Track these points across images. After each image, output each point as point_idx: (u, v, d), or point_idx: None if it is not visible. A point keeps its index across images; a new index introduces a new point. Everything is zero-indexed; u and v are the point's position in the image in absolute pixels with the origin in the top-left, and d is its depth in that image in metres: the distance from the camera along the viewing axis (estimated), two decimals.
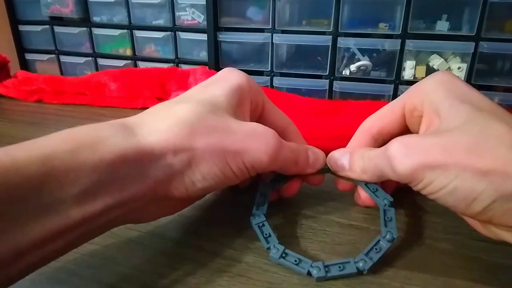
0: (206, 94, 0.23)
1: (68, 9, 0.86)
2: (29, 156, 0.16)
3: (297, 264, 0.21)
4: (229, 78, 0.24)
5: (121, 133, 0.19)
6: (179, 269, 0.22)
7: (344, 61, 0.68)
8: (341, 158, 0.26)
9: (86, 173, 0.17)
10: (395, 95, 0.66)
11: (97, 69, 0.89)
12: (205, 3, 0.71)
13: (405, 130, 0.26)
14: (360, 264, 0.21)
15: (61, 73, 0.93)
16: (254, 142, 0.22)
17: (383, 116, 0.27)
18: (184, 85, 0.54)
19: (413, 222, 0.26)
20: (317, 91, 0.71)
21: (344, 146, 0.38)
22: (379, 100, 0.66)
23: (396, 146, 0.21)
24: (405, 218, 0.27)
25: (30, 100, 0.56)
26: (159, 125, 0.20)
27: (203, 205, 0.28)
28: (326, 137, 0.40)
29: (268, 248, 0.22)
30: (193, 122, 0.20)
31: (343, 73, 0.69)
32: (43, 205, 0.16)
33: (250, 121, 0.24)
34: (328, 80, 0.70)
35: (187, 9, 0.77)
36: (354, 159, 0.25)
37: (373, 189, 0.25)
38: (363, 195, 0.27)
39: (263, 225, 0.24)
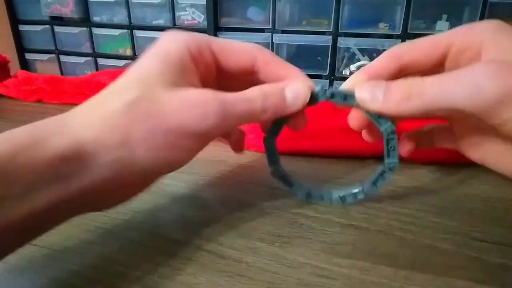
0: (136, 74, 0.22)
1: (68, 9, 0.86)
2: None
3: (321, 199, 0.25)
4: (162, 48, 0.23)
5: (56, 131, 0.19)
6: (179, 269, 0.22)
7: (344, 61, 0.68)
8: (374, 88, 0.22)
9: (25, 174, 0.17)
10: None
11: (97, 69, 0.89)
12: (205, 3, 0.72)
13: (436, 70, 0.24)
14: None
15: (61, 73, 0.93)
16: (189, 113, 0.20)
17: (422, 48, 0.24)
18: None
19: (413, 222, 0.26)
20: None
21: (344, 146, 0.38)
22: None
23: (493, 65, 0.18)
24: (405, 218, 0.27)
25: (30, 100, 0.56)
26: (91, 119, 0.20)
27: (203, 205, 0.29)
28: (326, 137, 0.40)
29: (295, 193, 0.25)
30: (127, 112, 0.20)
31: (343, 73, 0.69)
32: None
33: (202, 83, 0.23)
34: (328, 80, 0.70)
35: (187, 9, 0.77)
36: (393, 88, 0.21)
37: (375, 115, 0.24)
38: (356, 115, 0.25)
39: (284, 176, 0.26)
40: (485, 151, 0.25)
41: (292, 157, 0.37)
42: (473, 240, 0.24)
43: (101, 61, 0.88)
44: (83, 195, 0.19)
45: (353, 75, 0.24)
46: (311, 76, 0.70)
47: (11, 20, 0.93)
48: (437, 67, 0.24)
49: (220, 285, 0.21)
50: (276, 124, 0.26)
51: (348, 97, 0.23)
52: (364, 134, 0.27)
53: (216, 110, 0.21)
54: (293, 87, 0.23)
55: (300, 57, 0.72)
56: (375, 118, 0.23)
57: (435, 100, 0.20)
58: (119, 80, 0.22)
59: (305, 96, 0.23)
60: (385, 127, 0.24)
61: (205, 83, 0.23)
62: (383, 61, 0.24)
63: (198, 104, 0.21)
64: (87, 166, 0.19)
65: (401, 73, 0.24)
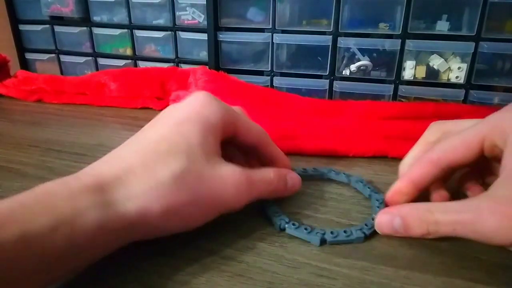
0: (181, 140, 0.23)
1: (69, 9, 0.86)
2: (6, 232, 0.16)
3: (308, 233, 0.24)
4: (203, 114, 0.24)
5: (98, 202, 0.19)
6: (179, 269, 0.22)
7: (344, 61, 0.68)
8: (390, 222, 0.24)
9: (63, 248, 0.18)
10: (395, 95, 0.66)
11: (97, 69, 0.89)
12: (205, 2, 0.71)
13: (478, 161, 0.25)
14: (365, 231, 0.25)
15: (61, 73, 0.93)
16: (227, 193, 0.23)
17: (456, 149, 0.25)
18: (184, 85, 0.54)
19: None
20: (317, 91, 0.71)
21: (344, 145, 0.38)
22: (379, 100, 0.66)
23: (498, 218, 0.20)
24: None
25: (30, 100, 0.56)
26: (137, 189, 0.20)
27: None
28: (326, 137, 0.40)
29: (281, 227, 0.25)
30: (170, 184, 0.21)
31: (343, 73, 0.69)
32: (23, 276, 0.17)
33: (221, 149, 0.25)
34: (328, 80, 0.70)
35: (187, 8, 0.77)
36: (410, 224, 0.24)
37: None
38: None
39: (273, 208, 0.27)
40: None
41: (292, 157, 0.37)
42: (473, 240, 0.24)
43: (101, 61, 0.88)
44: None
45: (399, 184, 0.26)
46: (311, 76, 0.70)
47: (11, 20, 0.93)
48: (478, 159, 0.25)
49: (220, 285, 0.21)
50: None
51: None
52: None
53: (246, 190, 0.24)
54: (293, 176, 0.28)
55: (300, 57, 0.72)
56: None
57: (449, 232, 0.22)
58: (166, 141, 0.23)
59: (299, 185, 0.28)
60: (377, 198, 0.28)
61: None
62: (425, 169, 0.26)
63: (234, 184, 0.23)
64: (126, 233, 0.20)
65: (446, 174, 0.26)
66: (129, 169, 0.21)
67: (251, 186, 0.24)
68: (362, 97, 0.67)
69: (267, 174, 0.26)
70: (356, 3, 0.64)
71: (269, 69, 0.73)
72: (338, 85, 0.69)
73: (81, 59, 0.90)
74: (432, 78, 0.64)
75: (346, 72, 0.68)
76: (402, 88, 0.66)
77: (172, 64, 0.81)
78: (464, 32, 0.61)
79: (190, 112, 0.24)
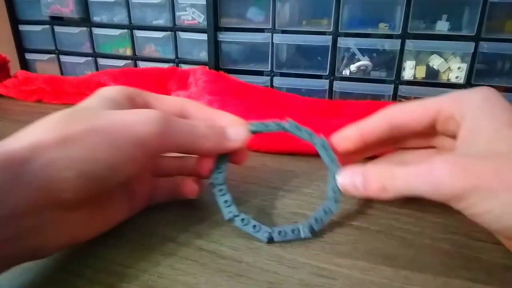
0: (83, 105, 0.22)
1: (68, 9, 0.86)
2: None
3: (257, 231, 0.24)
4: (98, 93, 0.24)
5: None
6: (179, 269, 0.22)
7: (344, 61, 0.68)
8: (352, 178, 0.24)
9: None
10: (395, 95, 0.66)
11: (97, 69, 0.89)
12: (205, 3, 0.72)
13: (428, 132, 0.26)
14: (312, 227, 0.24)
15: (61, 73, 0.93)
16: (133, 117, 0.21)
17: (412, 111, 0.26)
18: (184, 85, 0.54)
19: (413, 222, 0.26)
20: (317, 91, 0.71)
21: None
22: (379, 100, 0.66)
23: (448, 166, 0.20)
24: (405, 218, 0.27)
25: (30, 100, 0.56)
26: (28, 129, 0.19)
27: (203, 205, 0.28)
28: (326, 137, 0.40)
29: (230, 219, 0.24)
30: (65, 117, 0.20)
31: (343, 73, 0.69)
32: None
33: None
34: (328, 80, 0.70)
35: (187, 9, 0.77)
36: (370, 179, 0.23)
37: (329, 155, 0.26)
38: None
39: (223, 192, 0.25)
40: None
41: (292, 157, 0.37)
42: (473, 240, 0.24)
43: (101, 61, 0.88)
44: (20, 218, 0.17)
45: (346, 130, 0.27)
46: (311, 76, 0.70)
47: (11, 20, 0.93)
48: (428, 129, 0.26)
49: (220, 285, 0.21)
50: (219, 162, 0.26)
51: (280, 126, 0.27)
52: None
53: (159, 120, 0.21)
54: (235, 127, 0.25)
55: (300, 57, 0.72)
56: (329, 162, 0.26)
57: (405, 192, 0.22)
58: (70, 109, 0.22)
59: (244, 137, 0.25)
60: (335, 172, 0.26)
61: None
62: (375, 122, 0.27)
63: (142, 112, 0.21)
64: (19, 176, 0.17)
65: (392, 132, 0.26)
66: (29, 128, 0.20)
67: (167, 120, 0.22)
68: (362, 97, 0.67)
69: (194, 122, 0.24)
70: (356, 3, 0.64)
71: (269, 69, 0.73)
72: (338, 85, 0.69)
73: (81, 60, 0.90)
74: (432, 78, 0.64)
75: (346, 72, 0.68)
76: (402, 88, 0.66)
77: (172, 64, 0.81)
78: (464, 32, 0.61)
79: (91, 96, 0.24)
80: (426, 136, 0.27)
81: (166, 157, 0.27)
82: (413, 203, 0.29)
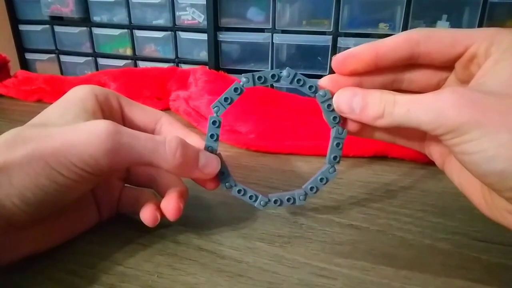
0: (38, 117, 0.22)
1: (69, 9, 0.86)
2: None
3: (254, 201, 0.24)
4: (67, 95, 0.23)
5: None
6: (179, 269, 0.22)
7: None
8: (350, 98, 0.22)
9: None
10: None
11: (97, 69, 0.89)
12: (205, 3, 0.72)
13: (443, 67, 0.23)
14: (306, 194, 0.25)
15: (61, 73, 0.93)
16: (76, 135, 0.19)
17: (441, 41, 0.22)
18: (184, 85, 0.54)
19: (413, 222, 0.26)
20: None
21: (344, 145, 0.38)
22: None
23: (456, 97, 0.19)
24: (405, 218, 0.27)
25: (30, 100, 0.56)
26: None
27: (203, 205, 0.29)
28: (326, 137, 0.40)
29: (229, 186, 0.24)
30: (9, 140, 0.19)
31: None
32: None
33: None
34: None
35: (187, 9, 0.77)
36: (369, 102, 0.22)
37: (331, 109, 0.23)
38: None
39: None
40: (450, 166, 0.25)
41: (292, 157, 0.38)
42: (473, 240, 0.24)
43: (101, 61, 0.88)
44: None
45: (358, 47, 0.23)
46: (311, 76, 0.70)
47: (11, 20, 0.93)
48: (447, 64, 0.23)
49: (220, 285, 0.21)
50: (212, 129, 0.24)
51: (276, 75, 0.24)
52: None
53: (107, 135, 0.19)
54: (207, 154, 0.23)
55: (300, 57, 0.72)
56: (330, 115, 0.24)
57: (402, 120, 0.21)
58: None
59: (216, 168, 0.24)
60: (337, 126, 0.24)
61: None
62: (397, 41, 0.22)
63: (88, 129, 0.19)
64: None
65: (411, 60, 0.23)
66: None
67: (117, 136, 0.19)
68: None
69: (162, 136, 0.22)
70: (356, 3, 0.64)
71: (269, 69, 0.73)
72: None
73: (81, 59, 0.90)
74: None
75: None
76: None
77: (172, 64, 0.81)
78: None
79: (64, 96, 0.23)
80: (438, 71, 0.24)
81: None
82: (413, 203, 0.29)
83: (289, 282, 0.21)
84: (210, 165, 0.23)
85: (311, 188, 0.25)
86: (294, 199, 0.25)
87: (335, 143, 0.24)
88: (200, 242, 0.24)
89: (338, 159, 0.24)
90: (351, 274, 0.22)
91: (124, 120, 0.25)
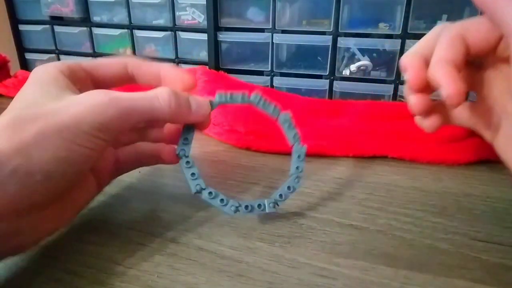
0: (14, 99, 0.21)
1: (69, 9, 0.86)
2: None
3: (224, 205, 0.24)
4: (34, 77, 0.23)
5: None
6: (179, 269, 0.22)
7: (344, 61, 0.68)
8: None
9: None
10: (395, 95, 0.66)
11: None
12: (205, 3, 0.72)
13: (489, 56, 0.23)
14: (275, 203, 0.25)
15: None
16: (81, 108, 0.20)
17: (479, 31, 0.22)
18: None
19: (413, 222, 0.26)
20: (317, 91, 0.71)
21: (344, 145, 0.38)
22: (379, 100, 0.66)
23: None
24: (405, 218, 0.27)
25: None
26: None
27: (203, 205, 0.28)
28: (326, 137, 0.40)
29: (198, 191, 0.24)
30: (13, 123, 0.19)
31: (343, 73, 0.69)
32: None
33: None
34: (328, 80, 0.70)
35: (187, 9, 0.77)
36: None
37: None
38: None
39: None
40: (497, 135, 0.25)
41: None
42: (473, 240, 0.24)
43: None
44: None
45: (449, 50, 0.22)
46: (311, 76, 0.70)
47: (11, 20, 0.93)
48: (491, 52, 0.23)
49: (220, 285, 0.21)
50: (185, 133, 0.25)
51: (245, 98, 0.26)
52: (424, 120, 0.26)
53: (109, 104, 0.20)
54: (197, 98, 0.24)
55: (300, 57, 0.72)
56: (291, 133, 0.27)
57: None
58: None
59: (207, 109, 0.25)
60: (297, 142, 0.27)
61: None
62: (456, 47, 0.22)
63: (88, 101, 0.20)
64: None
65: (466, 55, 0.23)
66: None
67: (116, 101, 0.21)
68: (362, 97, 0.67)
69: (152, 91, 0.23)
70: (356, 3, 0.64)
71: (269, 69, 0.73)
72: (338, 85, 0.69)
73: (81, 59, 0.90)
74: None
75: (346, 72, 0.68)
76: (402, 88, 0.66)
77: (172, 64, 0.81)
78: None
79: (28, 80, 0.23)
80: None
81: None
82: (413, 203, 0.29)
83: (289, 282, 0.21)
84: (201, 107, 0.25)
85: (280, 196, 0.26)
86: (264, 205, 0.25)
87: (296, 156, 0.26)
88: (200, 242, 0.24)
89: (300, 169, 0.26)
90: (351, 274, 0.22)
91: (95, 83, 0.25)
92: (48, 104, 0.20)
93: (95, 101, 0.20)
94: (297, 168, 0.26)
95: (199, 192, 0.24)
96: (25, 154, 0.18)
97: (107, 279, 0.21)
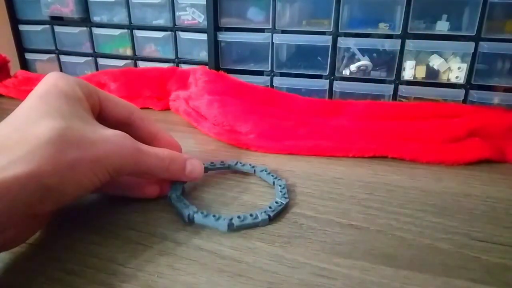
0: (49, 108, 0.23)
1: (68, 9, 0.86)
2: None
3: (216, 220, 0.25)
4: (61, 87, 0.24)
5: None
6: (179, 269, 0.22)
7: (344, 61, 0.68)
8: None
9: None
10: (395, 95, 0.66)
11: (97, 69, 0.89)
12: (205, 3, 0.71)
13: None
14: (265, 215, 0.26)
15: None
16: (113, 148, 0.23)
17: None
18: (184, 85, 0.54)
19: (413, 222, 0.26)
20: (317, 91, 0.70)
21: (344, 145, 0.38)
22: (379, 100, 0.66)
23: None
24: (405, 218, 0.27)
25: None
26: (18, 151, 0.19)
27: (203, 205, 0.28)
28: (326, 137, 0.40)
29: (190, 218, 0.26)
30: (54, 141, 0.20)
31: (343, 73, 0.69)
32: None
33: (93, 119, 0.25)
34: (328, 80, 0.69)
35: (187, 9, 0.77)
36: None
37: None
38: None
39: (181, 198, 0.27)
40: None
41: (292, 157, 0.38)
42: (473, 240, 0.24)
43: (101, 61, 0.88)
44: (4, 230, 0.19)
45: None
46: (311, 76, 0.70)
47: (11, 20, 0.93)
48: None
49: (220, 285, 0.21)
50: (177, 182, 0.29)
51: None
52: None
53: (132, 155, 0.24)
54: (192, 162, 0.28)
55: (300, 57, 0.72)
56: (273, 181, 0.31)
57: None
58: (22, 114, 0.23)
59: (200, 172, 0.29)
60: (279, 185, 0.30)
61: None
62: None
63: (118, 144, 0.23)
64: (13, 199, 0.19)
65: None
66: (6, 135, 0.21)
67: (138, 153, 0.24)
68: (362, 97, 0.67)
69: (160, 150, 0.26)
70: (356, 3, 0.64)
71: (269, 69, 0.73)
72: (338, 85, 0.69)
73: (81, 59, 0.90)
74: (432, 78, 0.64)
75: (346, 72, 0.68)
76: (402, 88, 0.66)
77: (172, 64, 0.81)
78: (464, 32, 0.61)
79: (48, 86, 0.24)
80: None
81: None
82: (413, 203, 0.29)
83: (289, 282, 0.21)
84: (195, 171, 0.28)
85: (270, 208, 0.27)
86: (257, 215, 0.26)
87: (278, 190, 0.29)
88: (200, 242, 0.24)
89: (284, 192, 0.29)
90: (351, 274, 0.22)
91: (100, 114, 0.27)
92: (85, 130, 0.22)
93: (124, 146, 0.24)
94: (282, 194, 0.29)
95: (192, 217, 0.26)
96: (60, 176, 0.20)
97: (107, 279, 0.21)
